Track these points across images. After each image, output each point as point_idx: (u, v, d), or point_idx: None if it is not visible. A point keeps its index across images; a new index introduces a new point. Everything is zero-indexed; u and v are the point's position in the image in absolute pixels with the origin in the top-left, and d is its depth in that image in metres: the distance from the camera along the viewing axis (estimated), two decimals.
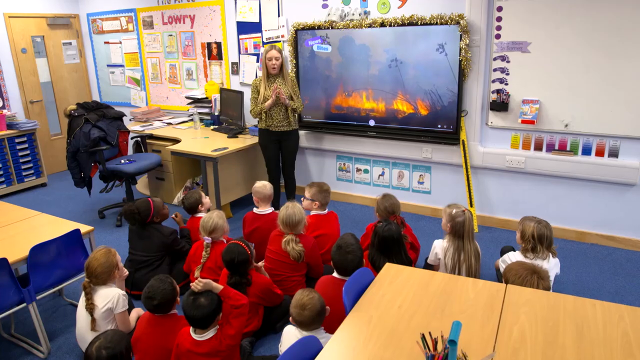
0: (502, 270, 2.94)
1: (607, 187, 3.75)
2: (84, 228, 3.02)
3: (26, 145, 5.70)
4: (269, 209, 3.59)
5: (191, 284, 2.31)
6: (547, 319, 1.92)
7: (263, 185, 3.59)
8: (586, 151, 3.75)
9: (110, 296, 2.56)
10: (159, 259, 3.32)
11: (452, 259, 2.90)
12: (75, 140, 4.52)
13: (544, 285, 2.31)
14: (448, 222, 2.93)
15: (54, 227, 3.07)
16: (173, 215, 3.82)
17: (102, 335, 2.08)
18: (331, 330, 2.19)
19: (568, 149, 3.80)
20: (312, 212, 3.54)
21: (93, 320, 2.53)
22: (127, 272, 2.87)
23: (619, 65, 3.46)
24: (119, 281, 2.73)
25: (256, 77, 5.11)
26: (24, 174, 5.73)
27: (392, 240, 2.81)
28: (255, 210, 3.60)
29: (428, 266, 3.19)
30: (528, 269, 2.39)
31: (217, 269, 3.03)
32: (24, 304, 2.70)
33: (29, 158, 5.76)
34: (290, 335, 2.29)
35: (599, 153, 3.70)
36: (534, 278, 2.32)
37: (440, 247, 3.01)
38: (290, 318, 2.28)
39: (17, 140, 5.61)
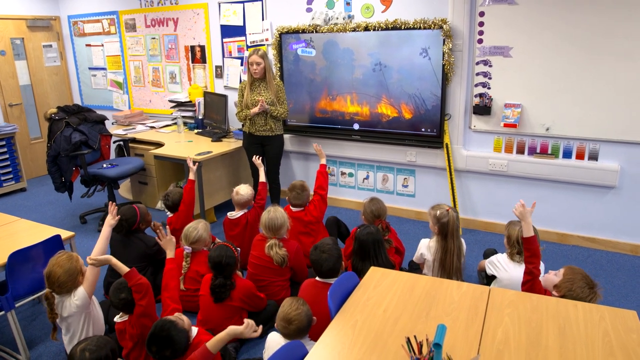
0: (491, 272, 2.96)
1: (588, 190, 3.82)
2: (64, 234, 2.97)
3: (5, 150, 5.59)
4: (241, 212, 3.64)
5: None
6: (530, 320, 1.94)
7: (235, 192, 3.62)
8: (567, 154, 3.81)
9: (76, 298, 2.43)
10: (141, 269, 3.25)
11: (437, 257, 2.92)
12: (55, 144, 4.45)
13: (599, 293, 2.28)
14: (435, 224, 2.94)
15: (33, 232, 3.01)
16: (152, 226, 3.68)
17: (88, 339, 2.08)
18: (315, 334, 2.18)
19: (549, 152, 3.85)
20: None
21: (54, 329, 2.46)
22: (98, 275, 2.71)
23: (598, 70, 3.52)
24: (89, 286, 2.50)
25: (241, 80, 5.09)
26: (2, 178, 5.60)
27: (373, 241, 2.82)
28: (229, 214, 3.65)
29: (413, 265, 3.20)
30: (590, 287, 2.28)
31: (199, 277, 3.02)
32: (2, 312, 2.64)
33: (8, 162, 5.64)
34: (275, 342, 2.27)
35: (579, 156, 3.76)
36: (593, 293, 2.26)
37: (425, 246, 3.03)
38: (276, 325, 2.27)
39: None
